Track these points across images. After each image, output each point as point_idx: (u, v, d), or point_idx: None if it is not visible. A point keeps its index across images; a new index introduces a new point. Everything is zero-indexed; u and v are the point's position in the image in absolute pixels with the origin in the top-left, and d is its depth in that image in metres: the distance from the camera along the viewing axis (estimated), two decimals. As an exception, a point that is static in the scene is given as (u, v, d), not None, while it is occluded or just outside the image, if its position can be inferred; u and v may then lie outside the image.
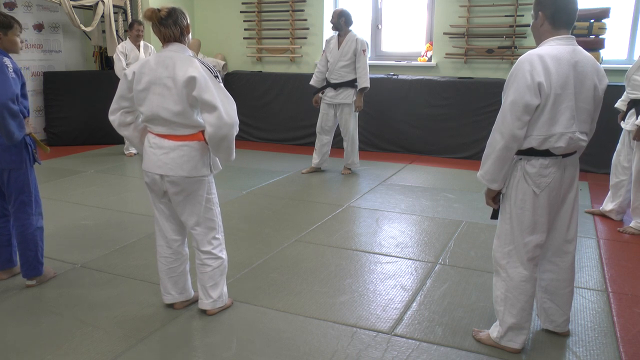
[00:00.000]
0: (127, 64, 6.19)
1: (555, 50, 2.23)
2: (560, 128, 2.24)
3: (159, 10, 2.53)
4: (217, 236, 2.74)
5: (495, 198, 2.44)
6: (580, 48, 2.31)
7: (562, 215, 2.45)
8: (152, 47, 6.51)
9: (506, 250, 2.42)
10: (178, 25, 2.55)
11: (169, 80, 2.50)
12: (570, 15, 2.29)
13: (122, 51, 6.25)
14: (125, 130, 2.75)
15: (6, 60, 2.82)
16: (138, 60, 6.13)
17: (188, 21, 2.61)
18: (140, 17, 7.31)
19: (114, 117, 2.72)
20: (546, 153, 2.29)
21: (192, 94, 2.47)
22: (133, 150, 6.65)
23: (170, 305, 2.86)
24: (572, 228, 2.49)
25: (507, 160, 2.29)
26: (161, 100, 2.52)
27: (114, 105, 2.71)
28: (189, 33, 2.62)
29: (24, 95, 2.96)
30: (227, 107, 2.49)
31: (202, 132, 2.61)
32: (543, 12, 2.30)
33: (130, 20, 7.38)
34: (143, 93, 2.56)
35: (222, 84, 2.56)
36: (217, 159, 2.71)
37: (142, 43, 6.38)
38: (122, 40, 7.37)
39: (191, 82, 2.45)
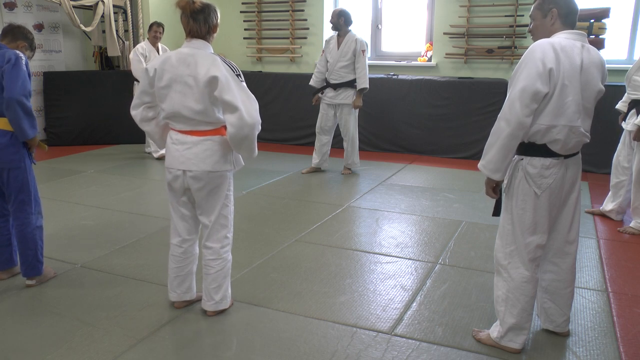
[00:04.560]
0: None
1: (566, 42, 2.24)
2: (564, 120, 2.24)
3: (193, 2, 2.50)
4: (227, 235, 2.73)
5: (495, 189, 2.39)
6: (590, 46, 2.31)
7: (564, 216, 2.45)
8: (168, 49, 6.42)
9: (508, 250, 2.42)
10: (207, 23, 2.53)
11: (190, 79, 2.48)
12: (576, 16, 2.34)
13: (142, 52, 6.10)
14: (147, 126, 2.74)
15: (24, 58, 2.92)
16: None
17: (218, 20, 2.59)
18: (139, 16, 7.31)
19: (136, 112, 2.71)
20: (547, 153, 2.29)
21: (214, 94, 2.46)
22: (153, 148, 6.51)
23: (172, 303, 2.87)
24: (574, 229, 2.48)
25: (511, 149, 2.25)
26: (182, 99, 2.51)
27: (135, 101, 2.70)
28: (215, 32, 2.60)
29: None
30: (248, 107, 2.47)
31: (225, 127, 2.58)
32: (558, 9, 2.30)
33: (130, 20, 7.39)
34: (165, 90, 2.55)
35: (244, 83, 2.53)
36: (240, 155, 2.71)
37: (160, 46, 6.27)
38: (123, 41, 7.38)
39: (213, 81, 2.44)
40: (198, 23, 2.52)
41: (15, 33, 3.03)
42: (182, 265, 2.79)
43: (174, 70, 2.51)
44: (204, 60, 2.48)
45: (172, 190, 2.69)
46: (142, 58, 6.08)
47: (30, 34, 3.10)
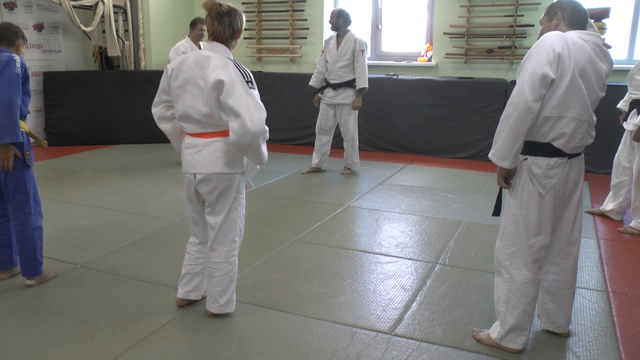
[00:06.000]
0: None
1: (577, 39, 2.25)
2: (573, 113, 2.24)
3: (220, 4, 2.50)
4: (235, 239, 2.72)
5: (507, 179, 2.37)
6: (602, 49, 2.31)
7: (566, 216, 2.45)
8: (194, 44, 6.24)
9: (510, 251, 2.41)
10: (232, 26, 2.53)
11: (201, 81, 2.48)
12: (584, 17, 2.36)
13: (183, 51, 5.77)
14: (165, 124, 2.75)
15: (18, 60, 2.91)
16: None
17: (242, 25, 2.59)
18: (139, 16, 7.31)
19: (156, 110, 2.74)
20: (552, 152, 2.29)
21: (220, 98, 2.45)
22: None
23: (174, 301, 2.87)
24: (576, 229, 2.48)
25: (519, 135, 2.22)
26: (193, 100, 2.51)
27: (156, 99, 2.73)
28: (238, 37, 2.60)
29: (26, 93, 2.97)
30: (252, 115, 2.42)
31: None
32: (562, 12, 2.34)
33: (130, 20, 7.39)
34: (179, 90, 2.56)
35: (255, 90, 2.50)
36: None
37: (201, 44, 5.99)
38: (123, 41, 7.37)
39: (219, 85, 2.43)
40: (223, 25, 2.51)
41: (10, 36, 3.00)
42: (194, 263, 2.81)
43: (189, 71, 2.52)
44: (217, 63, 2.47)
45: (188, 195, 2.70)
46: None
47: (20, 30, 3.06)
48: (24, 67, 2.92)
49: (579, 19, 2.34)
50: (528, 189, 2.34)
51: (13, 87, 2.84)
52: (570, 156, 2.33)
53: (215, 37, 2.55)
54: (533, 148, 2.31)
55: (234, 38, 2.58)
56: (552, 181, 2.31)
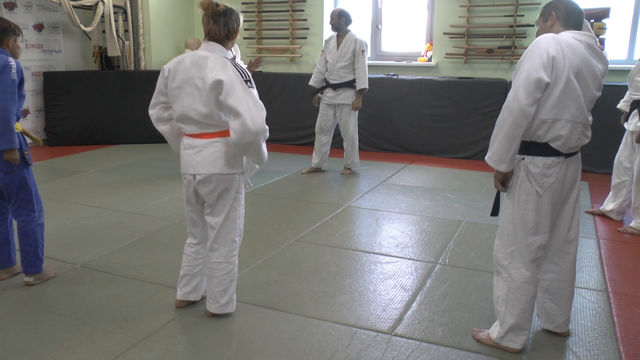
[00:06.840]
0: None
1: (571, 40, 2.25)
2: (568, 115, 2.24)
3: (217, 4, 2.50)
4: (235, 239, 2.72)
5: (504, 182, 2.38)
6: (596, 50, 2.31)
7: (564, 215, 2.45)
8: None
9: (508, 250, 2.42)
10: (227, 26, 2.53)
11: (199, 81, 2.48)
12: (580, 17, 2.35)
13: None
14: (162, 125, 2.75)
15: (14, 65, 2.88)
16: None
17: (239, 26, 2.58)
18: (139, 16, 7.31)
19: (153, 112, 2.73)
20: (549, 152, 2.29)
21: (219, 98, 2.45)
22: None
23: (173, 302, 2.87)
24: (574, 228, 2.48)
25: (515, 138, 2.23)
26: (191, 101, 2.51)
27: (153, 100, 2.72)
28: (234, 37, 2.60)
29: (20, 95, 2.97)
30: (253, 114, 2.42)
31: None
32: (556, 12, 2.34)
33: (130, 20, 7.39)
34: (176, 91, 2.55)
35: (253, 89, 2.50)
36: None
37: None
38: (123, 41, 7.37)
39: (218, 85, 2.43)
40: (218, 25, 2.51)
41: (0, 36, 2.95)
42: (192, 264, 2.81)
43: (186, 72, 2.52)
44: (215, 63, 2.47)
45: (187, 196, 2.70)
46: None
47: (9, 26, 2.97)
48: (19, 72, 2.90)
49: (574, 19, 2.34)
50: (525, 188, 2.34)
51: (9, 93, 2.84)
52: (567, 155, 2.33)
53: (210, 36, 2.55)
54: (530, 148, 2.31)
55: (230, 38, 2.58)
56: (549, 180, 2.31)
